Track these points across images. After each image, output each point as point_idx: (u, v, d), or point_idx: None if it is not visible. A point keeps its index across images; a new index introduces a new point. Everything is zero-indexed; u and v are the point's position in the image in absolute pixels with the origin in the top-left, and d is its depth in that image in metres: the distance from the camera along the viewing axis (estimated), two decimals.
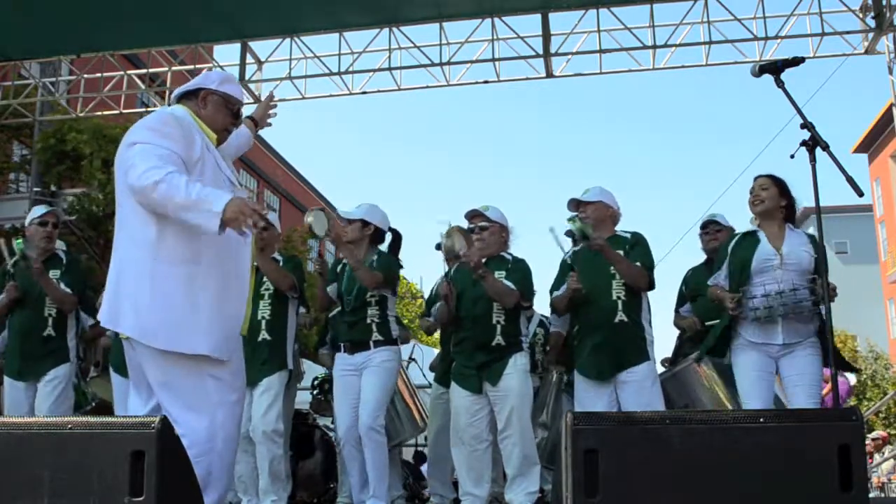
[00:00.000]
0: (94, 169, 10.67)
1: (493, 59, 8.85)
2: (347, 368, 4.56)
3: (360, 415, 4.42)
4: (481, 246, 4.37)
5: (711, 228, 4.97)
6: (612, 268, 4.19)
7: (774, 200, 4.01)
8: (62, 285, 4.80)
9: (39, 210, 5.04)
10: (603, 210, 4.33)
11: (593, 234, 4.07)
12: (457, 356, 4.47)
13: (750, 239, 4.04)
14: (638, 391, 4.08)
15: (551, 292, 4.45)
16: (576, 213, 4.31)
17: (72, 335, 4.88)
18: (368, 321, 4.54)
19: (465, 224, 4.59)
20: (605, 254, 4.11)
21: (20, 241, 4.89)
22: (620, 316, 4.15)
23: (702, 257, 5.06)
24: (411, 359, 5.64)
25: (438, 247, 4.86)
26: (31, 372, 4.75)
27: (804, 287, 3.80)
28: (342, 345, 4.63)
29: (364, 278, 4.48)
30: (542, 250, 4.46)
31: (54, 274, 4.80)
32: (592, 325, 4.21)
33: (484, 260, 4.28)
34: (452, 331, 4.56)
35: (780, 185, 4.03)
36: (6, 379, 4.83)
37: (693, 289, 4.95)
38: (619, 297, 4.17)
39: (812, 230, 3.87)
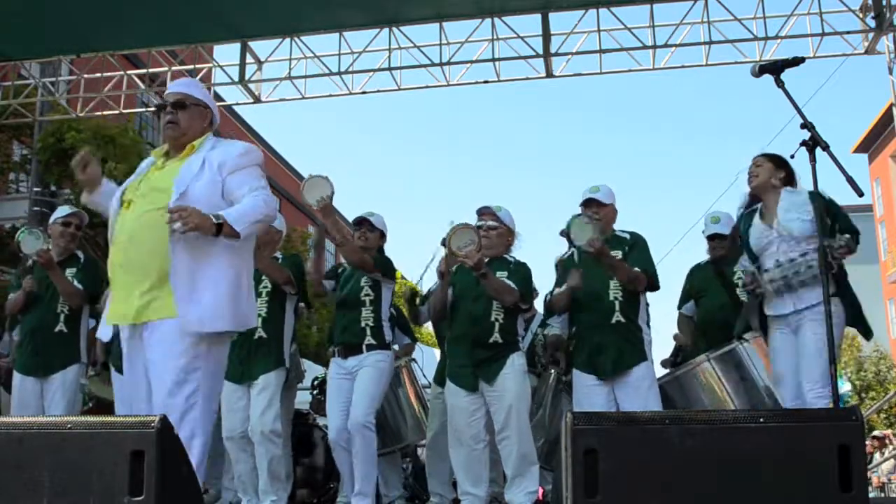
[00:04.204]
0: None
1: (493, 59, 8.84)
2: (340, 372, 4.56)
3: (351, 412, 4.40)
4: (487, 244, 4.36)
5: (717, 240, 4.93)
6: None
7: (768, 173, 4.02)
8: (75, 282, 4.81)
9: (64, 210, 5.07)
10: (613, 213, 4.36)
11: (592, 236, 4.01)
12: (452, 354, 4.46)
13: (748, 218, 4.09)
14: (635, 392, 4.09)
15: (551, 293, 4.45)
16: (586, 213, 4.24)
17: (83, 333, 4.88)
18: (363, 324, 4.54)
19: (474, 219, 4.59)
20: (604, 259, 4.09)
21: (23, 231, 4.88)
22: (618, 317, 4.15)
23: (703, 256, 5.03)
24: (412, 359, 5.63)
25: (444, 242, 4.87)
26: (41, 367, 4.76)
27: (801, 255, 3.81)
28: (336, 349, 4.64)
29: (349, 253, 4.49)
30: (543, 250, 4.44)
31: (70, 272, 4.82)
32: (590, 326, 4.21)
33: (487, 259, 4.28)
34: (448, 326, 4.57)
35: (774, 160, 4.04)
36: (15, 375, 4.84)
37: (697, 289, 4.94)
38: (616, 298, 4.17)
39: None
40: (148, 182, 3.11)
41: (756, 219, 4.03)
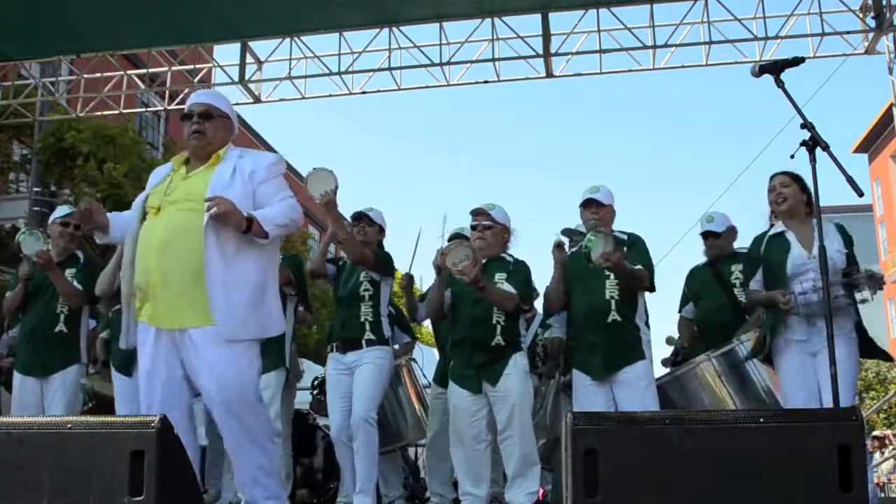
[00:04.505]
0: (90, 168, 10.64)
1: (493, 59, 8.83)
2: (339, 368, 4.55)
3: (353, 408, 4.40)
4: (482, 245, 4.36)
5: (710, 238, 4.94)
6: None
7: (797, 197, 3.96)
8: (75, 283, 4.81)
9: (63, 210, 5.08)
10: (612, 214, 4.35)
11: (606, 249, 3.96)
12: (454, 356, 4.45)
13: (779, 241, 3.98)
14: (633, 391, 4.08)
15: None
16: (594, 223, 4.23)
17: (83, 333, 4.88)
18: (362, 319, 4.54)
19: (468, 219, 4.58)
20: (619, 271, 4.06)
21: (24, 232, 4.90)
22: (614, 315, 4.15)
23: (702, 257, 5.04)
24: (412, 358, 5.63)
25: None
26: (41, 367, 4.76)
27: (838, 282, 3.73)
28: (334, 344, 4.63)
29: (350, 248, 4.50)
30: (543, 250, 4.43)
31: (70, 272, 4.83)
32: (586, 326, 4.21)
33: (484, 260, 4.28)
34: (449, 329, 4.56)
35: (799, 182, 3.96)
36: (15, 375, 4.84)
37: (695, 291, 4.94)
38: (612, 297, 4.17)
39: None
40: (177, 189, 3.20)
41: (795, 246, 3.91)
